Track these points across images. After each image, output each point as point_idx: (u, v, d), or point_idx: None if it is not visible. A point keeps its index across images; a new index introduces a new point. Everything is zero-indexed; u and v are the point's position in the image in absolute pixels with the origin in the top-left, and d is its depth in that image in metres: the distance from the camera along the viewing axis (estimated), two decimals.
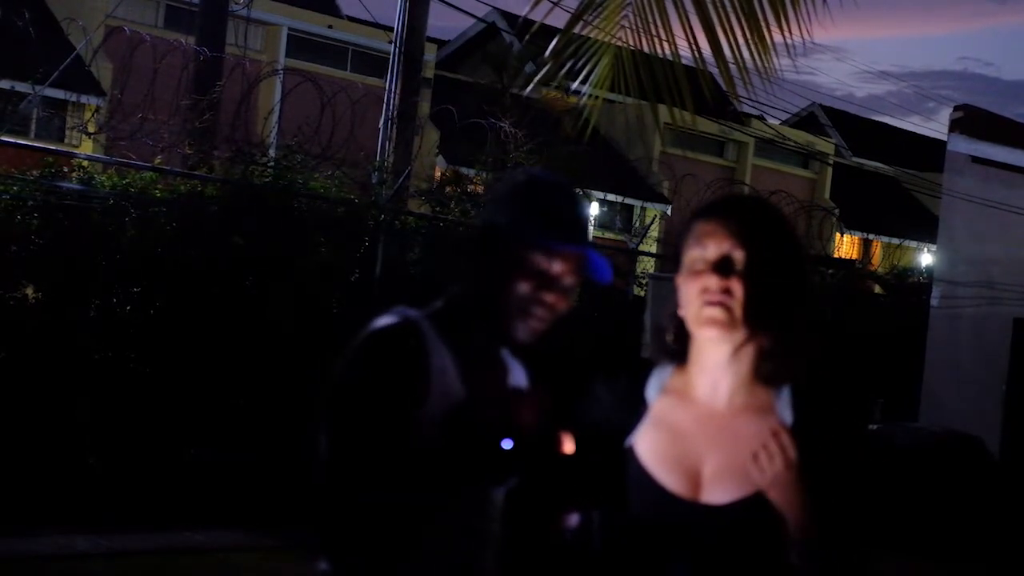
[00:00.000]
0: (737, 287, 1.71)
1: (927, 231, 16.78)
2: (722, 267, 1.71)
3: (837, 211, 21.53)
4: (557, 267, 1.80)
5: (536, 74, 3.56)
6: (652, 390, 1.79)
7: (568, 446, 1.70)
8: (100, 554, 6.11)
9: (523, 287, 1.79)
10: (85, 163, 7.82)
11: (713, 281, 1.71)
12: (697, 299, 1.73)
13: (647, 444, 1.75)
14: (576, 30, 3.32)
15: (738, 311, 1.70)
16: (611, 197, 17.99)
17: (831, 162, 23.85)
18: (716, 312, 1.71)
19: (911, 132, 28.31)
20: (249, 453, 7.34)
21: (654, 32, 3.31)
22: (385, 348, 1.76)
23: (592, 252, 1.84)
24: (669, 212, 19.25)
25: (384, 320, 1.79)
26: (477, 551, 1.80)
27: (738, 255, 1.72)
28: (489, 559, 1.81)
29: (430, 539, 1.73)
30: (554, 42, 3.24)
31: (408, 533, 1.71)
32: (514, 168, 8.69)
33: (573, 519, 1.76)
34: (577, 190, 1.92)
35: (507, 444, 1.68)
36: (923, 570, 7.70)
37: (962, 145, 11.04)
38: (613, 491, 1.72)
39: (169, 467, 7.11)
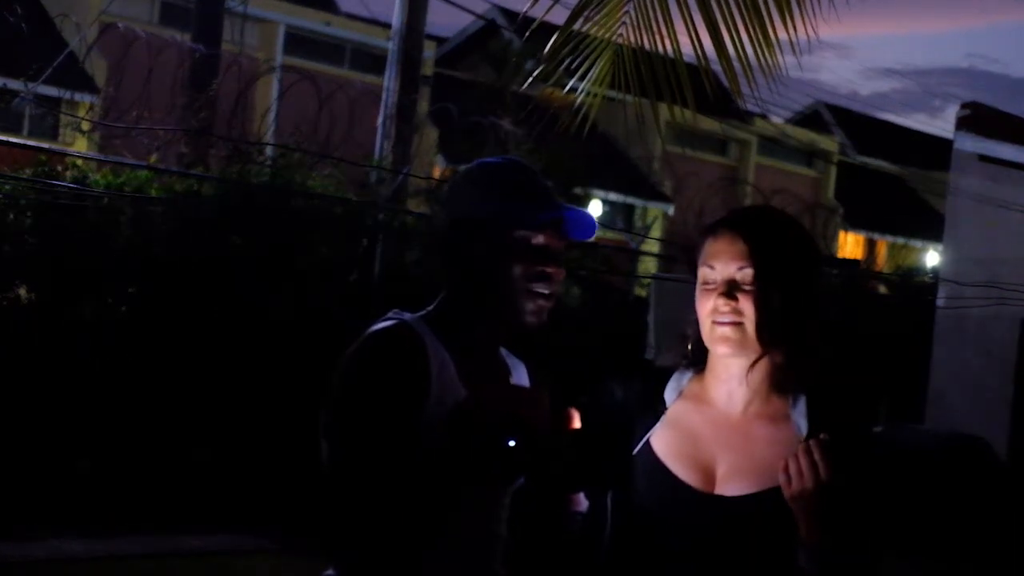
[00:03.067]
0: (747, 307, 1.74)
1: (933, 230, 16.70)
2: (731, 288, 1.74)
3: (841, 210, 21.46)
4: (545, 239, 1.81)
5: (536, 72, 3.49)
6: (671, 392, 1.83)
7: (573, 442, 1.72)
8: (95, 558, 6.08)
9: (523, 268, 1.80)
10: (79, 161, 7.76)
11: (722, 302, 1.74)
12: (708, 318, 1.77)
13: (663, 443, 1.79)
14: (577, 27, 3.26)
15: (749, 330, 1.74)
16: (612, 196, 17.93)
17: (835, 160, 23.78)
18: (727, 331, 1.75)
19: (917, 130, 28.21)
20: (246, 455, 7.29)
21: (655, 29, 3.25)
22: (381, 351, 1.75)
23: (571, 211, 1.85)
24: (671, 212, 19.17)
25: (379, 324, 1.80)
26: (488, 552, 1.81)
27: (746, 275, 1.74)
28: (500, 559, 1.82)
29: (440, 541, 1.73)
30: (552, 39, 3.18)
31: (417, 535, 1.70)
32: None
33: (580, 509, 1.78)
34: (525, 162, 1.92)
35: (511, 442, 1.68)
36: (928, 572, 7.67)
37: (969, 143, 10.97)
38: (622, 480, 1.75)
39: (165, 470, 7.05)
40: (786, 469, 1.66)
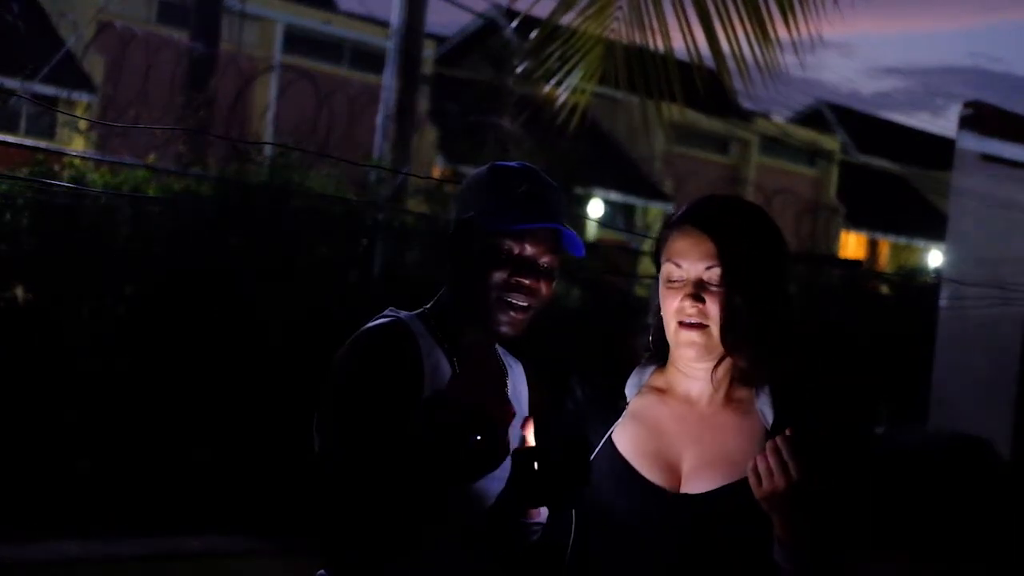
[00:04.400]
0: (713, 309, 1.69)
1: (935, 230, 16.66)
2: (697, 288, 1.69)
3: (843, 210, 21.43)
4: (527, 249, 1.78)
5: (531, 69, 3.46)
6: (631, 387, 1.80)
7: (533, 440, 1.70)
8: (93, 560, 6.05)
9: (497, 275, 1.77)
10: (76, 161, 7.73)
11: (688, 304, 1.70)
12: (673, 319, 1.71)
13: (626, 439, 1.76)
14: (570, 23, 3.23)
15: (715, 332, 1.69)
16: (613, 196, 17.91)
17: (837, 160, 23.74)
18: (693, 336, 1.70)
19: (919, 129, 28.18)
20: (246, 456, 7.25)
21: (648, 25, 3.22)
22: (375, 348, 1.75)
23: (563, 227, 1.81)
24: (672, 212, 19.13)
25: (374, 322, 1.80)
26: (471, 549, 1.81)
27: (714, 274, 1.69)
28: (482, 558, 1.82)
29: (432, 539, 1.74)
30: (533, 34, 3.16)
31: (405, 532, 1.69)
32: None
33: (538, 520, 1.78)
34: (540, 172, 1.88)
35: (475, 437, 1.67)
36: (930, 572, 7.65)
37: (972, 142, 10.91)
38: (582, 494, 1.70)
39: (164, 471, 7.01)
40: (755, 469, 1.61)
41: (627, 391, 1.79)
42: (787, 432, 1.61)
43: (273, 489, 6.89)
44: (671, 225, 1.76)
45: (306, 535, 1.73)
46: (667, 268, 1.73)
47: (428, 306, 1.86)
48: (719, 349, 1.71)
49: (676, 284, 1.72)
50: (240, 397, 7.37)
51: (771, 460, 1.59)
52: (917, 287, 13.54)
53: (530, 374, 1.95)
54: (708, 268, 1.69)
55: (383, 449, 1.69)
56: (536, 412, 1.90)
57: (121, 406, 7.05)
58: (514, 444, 1.76)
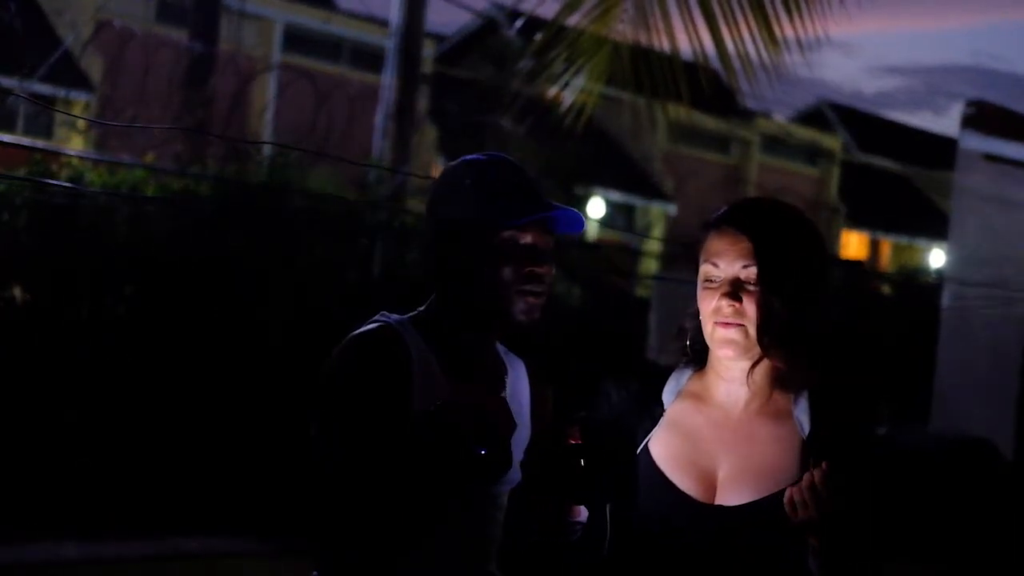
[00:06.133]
0: (750, 308, 1.68)
1: (937, 230, 16.66)
2: (734, 289, 1.69)
3: (844, 210, 21.42)
4: (533, 239, 1.78)
5: (536, 71, 3.45)
6: (669, 393, 1.80)
7: (568, 443, 1.68)
8: (93, 561, 6.03)
9: (514, 269, 1.76)
10: (74, 160, 7.71)
11: (724, 303, 1.69)
12: (710, 319, 1.71)
13: (662, 446, 1.76)
14: (575, 23, 3.22)
15: (752, 332, 1.68)
16: (614, 195, 17.90)
17: (838, 159, 23.72)
18: (731, 334, 1.70)
19: (921, 129, 28.16)
20: (245, 457, 7.24)
21: (654, 26, 3.20)
22: (362, 354, 1.74)
23: (558, 209, 1.80)
24: (673, 211, 19.11)
25: (363, 327, 1.80)
26: (480, 552, 1.80)
27: (751, 273, 1.68)
28: (494, 560, 1.82)
29: (429, 542, 1.73)
30: (542, 35, 3.14)
31: (400, 536, 1.69)
32: None
33: (580, 519, 1.72)
34: (511, 159, 1.87)
35: (481, 451, 1.67)
36: (933, 573, 7.62)
37: (974, 142, 10.89)
38: (624, 492, 1.70)
39: (163, 471, 7.00)
40: (791, 500, 1.61)
41: (664, 397, 1.79)
42: (823, 466, 1.61)
43: (273, 489, 6.87)
44: (708, 226, 1.76)
45: (306, 536, 1.74)
46: (705, 269, 1.74)
47: (421, 308, 1.86)
48: (756, 349, 1.70)
49: (713, 284, 1.72)
50: (240, 397, 7.35)
51: (806, 494, 1.60)
52: (919, 287, 13.53)
53: (532, 372, 1.93)
54: (744, 267, 1.69)
55: (374, 453, 1.69)
56: (538, 409, 1.89)
57: (121, 406, 7.03)
58: (517, 451, 1.76)
